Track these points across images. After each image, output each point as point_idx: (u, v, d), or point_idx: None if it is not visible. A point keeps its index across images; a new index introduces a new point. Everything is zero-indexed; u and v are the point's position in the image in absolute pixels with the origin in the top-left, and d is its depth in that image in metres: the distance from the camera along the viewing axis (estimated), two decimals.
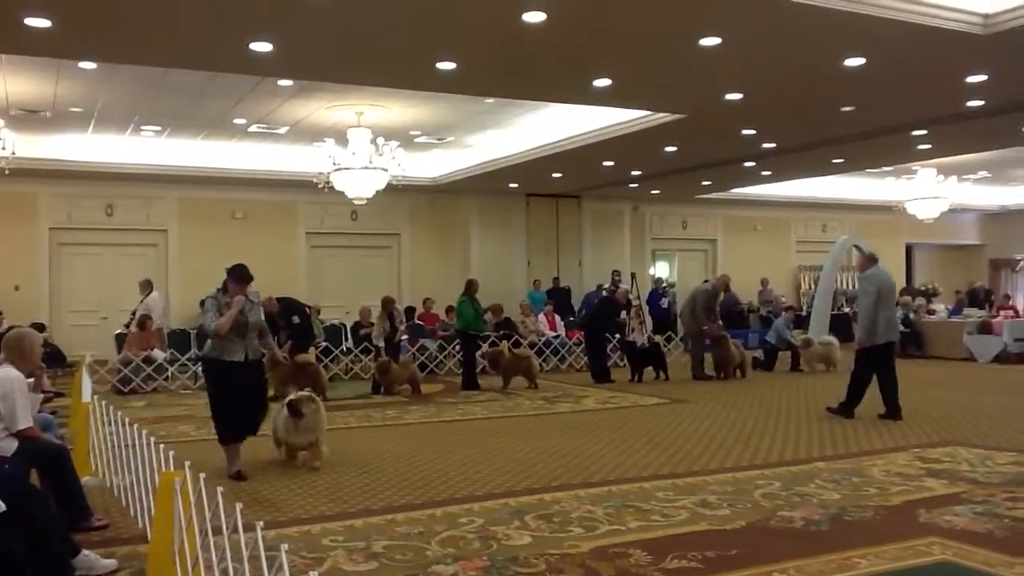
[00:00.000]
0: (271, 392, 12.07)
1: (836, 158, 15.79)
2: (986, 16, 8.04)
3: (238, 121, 13.00)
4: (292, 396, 7.23)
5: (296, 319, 13.17)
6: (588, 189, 19.13)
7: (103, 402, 7.10)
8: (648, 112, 12.10)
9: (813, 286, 21.80)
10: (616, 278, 18.83)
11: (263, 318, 7.21)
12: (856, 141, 13.70)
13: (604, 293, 17.85)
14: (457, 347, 13.78)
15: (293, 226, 18.05)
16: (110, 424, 6.51)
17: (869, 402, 9.48)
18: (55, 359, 13.16)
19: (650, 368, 13.68)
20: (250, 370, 6.90)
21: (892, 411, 9.31)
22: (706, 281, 17.01)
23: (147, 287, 14.54)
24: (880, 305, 9.26)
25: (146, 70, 10.01)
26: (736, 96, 10.63)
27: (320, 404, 7.38)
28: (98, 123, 13.01)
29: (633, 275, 19.76)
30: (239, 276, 6.86)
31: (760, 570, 4.44)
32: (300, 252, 18.06)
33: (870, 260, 9.82)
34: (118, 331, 14.29)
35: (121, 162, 15.23)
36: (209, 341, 6.83)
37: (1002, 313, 17.38)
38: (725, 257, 22.59)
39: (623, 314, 15.16)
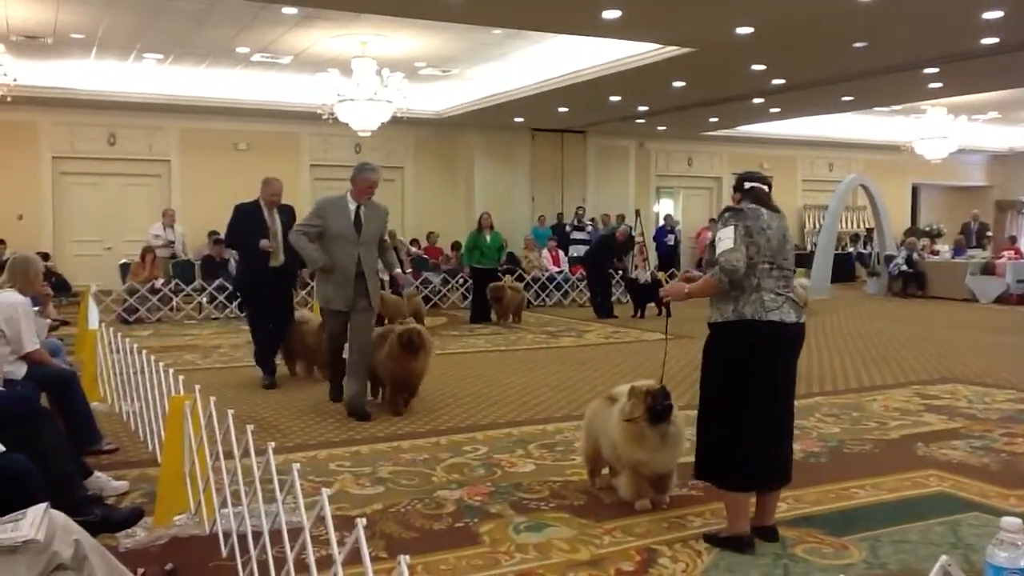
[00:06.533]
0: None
1: (846, 95, 15.58)
2: None
3: (241, 50, 12.81)
4: (649, 385, 4.65)
5: None
6: (594, 124, 18.94)
7: (111, 329, 7.14)
8: (657, 46, 11.91)
9: (818, 226, 21.72)
10: (615, 221, 18.67)
11: None
12: (867, 78, 13.49)
13: (602, 229, 17.78)
14: (461, 280, 13.77)
15: (296, 158, 17.91)
16: (118, 351, 6.57)
17: (870, 340, 9.51)
18: (60, 288, 13.20)
19: (652, 304, 13.67)
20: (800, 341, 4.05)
21: None
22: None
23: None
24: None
25: None
26: (747, 30, 10.44)
27: None
28: (100, 50, 12.81)
29: (637, 212, 19.66)
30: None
31: None
32: (304, 184, 17.90)
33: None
34: (122, 261, 14.36)
35: (123, 90, 15.05)
36: (758, 289, 3.90)
37: (1005, 254, 17.37)
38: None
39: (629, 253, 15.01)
